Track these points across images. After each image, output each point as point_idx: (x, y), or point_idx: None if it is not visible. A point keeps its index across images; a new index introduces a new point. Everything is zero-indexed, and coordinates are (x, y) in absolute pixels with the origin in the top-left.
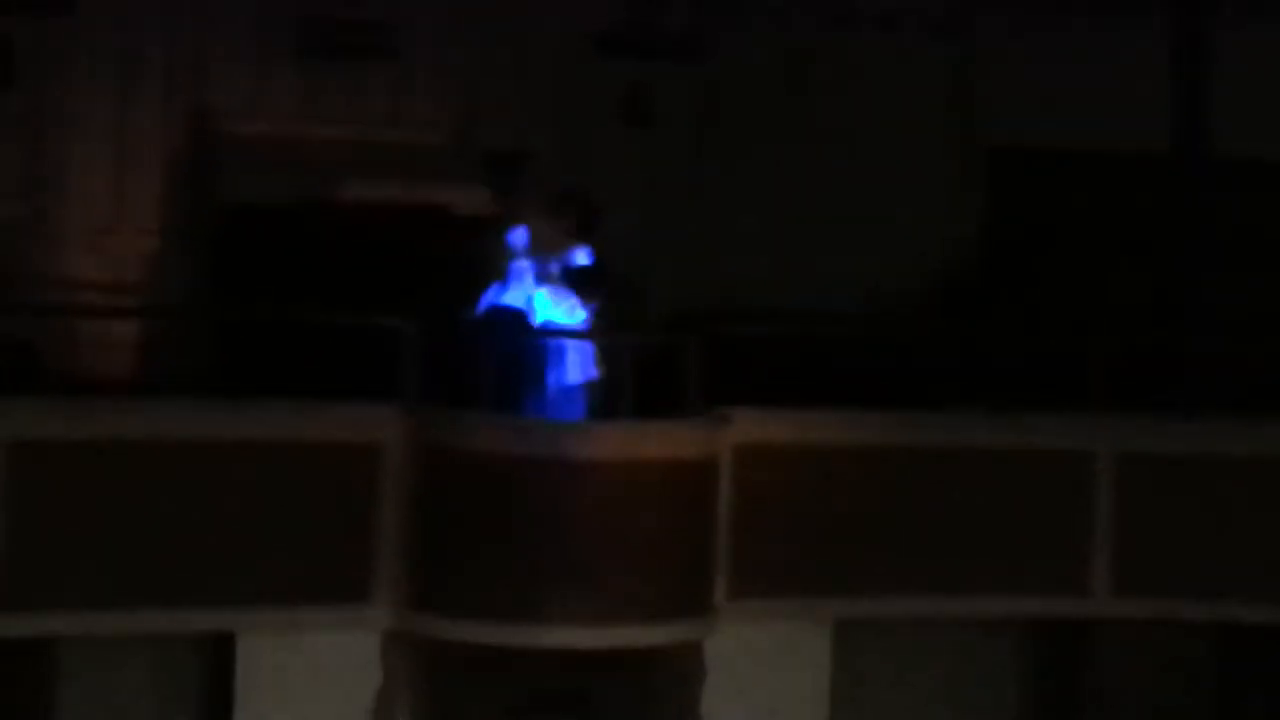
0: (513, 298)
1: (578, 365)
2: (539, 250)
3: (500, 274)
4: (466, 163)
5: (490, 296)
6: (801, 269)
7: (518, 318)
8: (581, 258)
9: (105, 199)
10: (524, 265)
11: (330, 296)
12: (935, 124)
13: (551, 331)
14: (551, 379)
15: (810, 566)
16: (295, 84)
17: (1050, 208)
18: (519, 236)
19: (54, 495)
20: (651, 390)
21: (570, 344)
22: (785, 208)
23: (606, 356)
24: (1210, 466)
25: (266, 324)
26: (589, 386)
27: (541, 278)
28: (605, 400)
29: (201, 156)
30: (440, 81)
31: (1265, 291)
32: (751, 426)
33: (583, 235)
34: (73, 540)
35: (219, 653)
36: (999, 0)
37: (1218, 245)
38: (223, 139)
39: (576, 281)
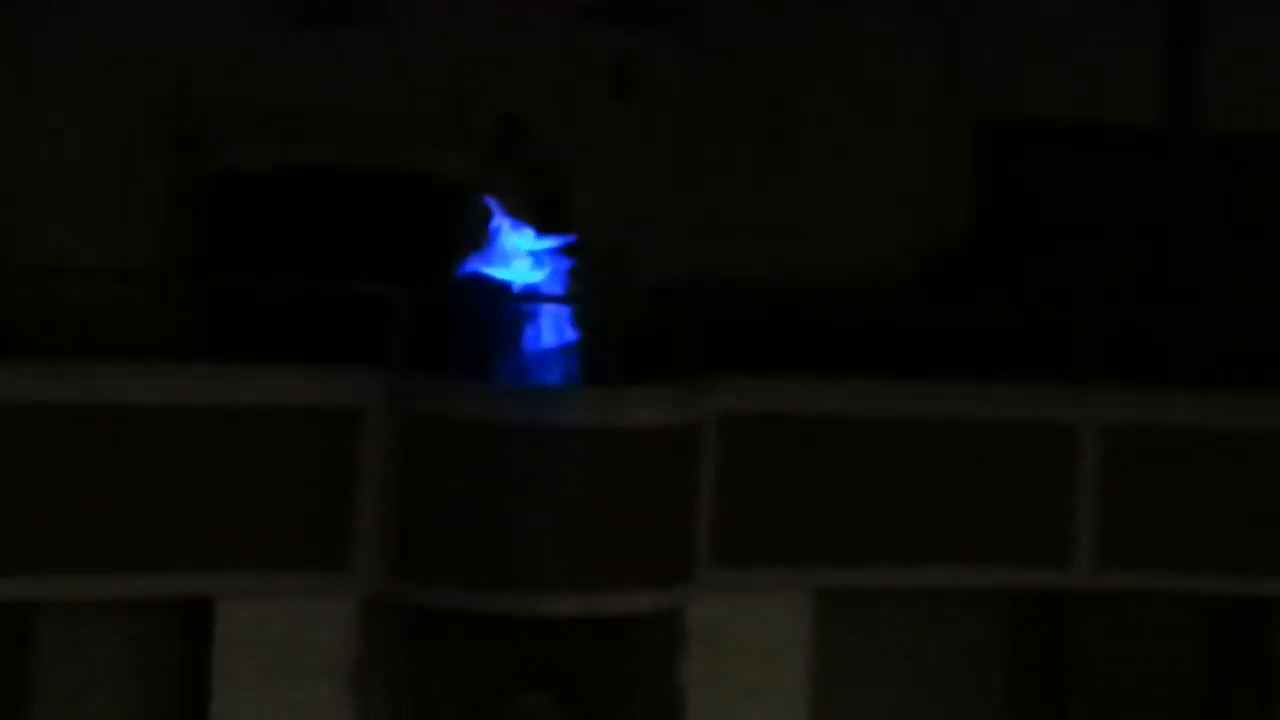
0: (492, 261)
1: (553, 329)
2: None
3: (483, 239)
4: (454, 130)
5: (472, 261)
6: (789, 239)
7: (494, 283)
8: (541, 244)
9: (89, 164)
10: (503, 228)
11: (317, 263)
12: (924, 94)
13: (533, 296)
14: (527, 343)
15: (793, 535)
16: (282, 49)
17: (1039, 179)
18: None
19: (29, 459)
20: (637, 357)
21: (545, 307)
22: (773, 178)
23: (590, 322)
24: (1194, 439)
25: (251, 291)
26: (566, 350)
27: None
28: (589, 366)
29: (187, 123)
30: (429, 49)
31: (1255, 264)
32: (736, 394)
33: (549, 217)
34: (49, 504)
35: (197, 618)
36: None
37: (1208, 218)
38: (209, 105)
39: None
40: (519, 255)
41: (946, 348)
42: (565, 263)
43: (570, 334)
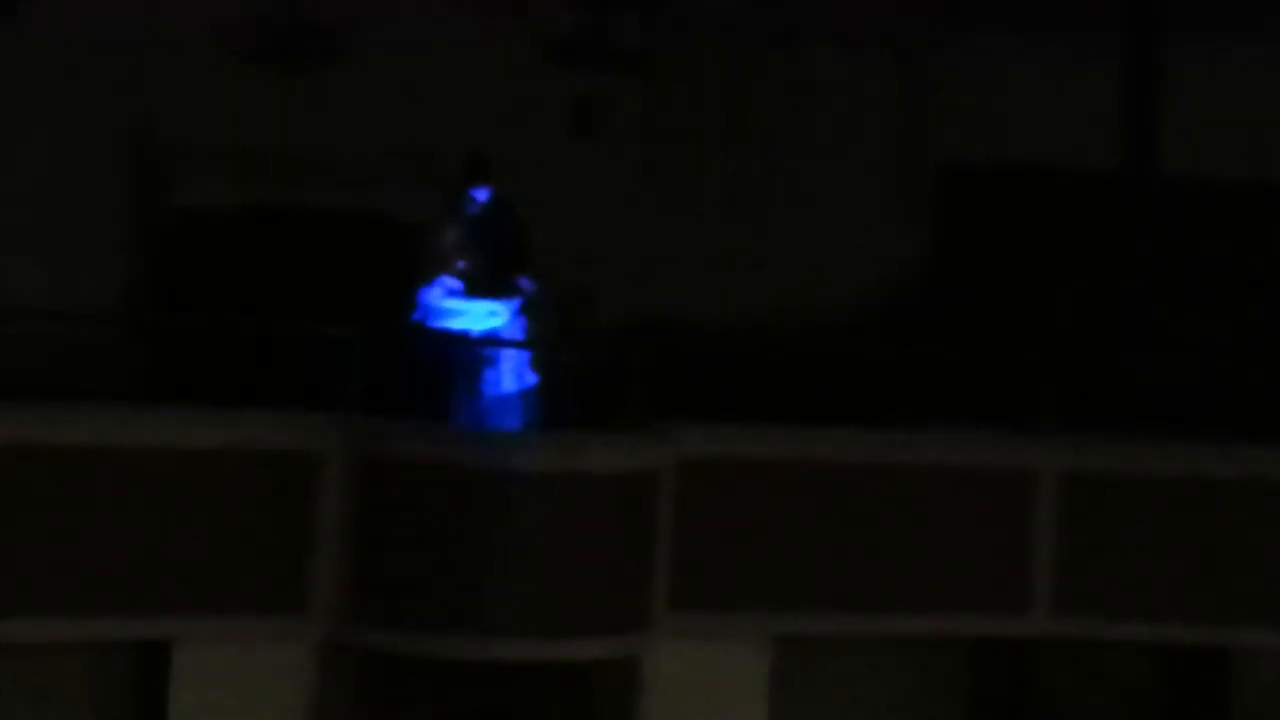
0: (439, 302)
1: (513, 373)
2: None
3: (432, 277)
4: (413, 170)
5: (422, 300)
6: (748, 282)
7: (447, 329)
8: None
9: (49, 202)
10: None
11: (277, 303)
12: (885, 139)
13: (491, 340)
14: (486, 387)
15: (751, 582)
16: (243, 89)
17: (999, 224)
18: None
19: None
20: (596, 401)
21: (504, 352)
22: (733, 221)
23: (547, 367)
24: (1152, 486)
25: (211, 331)
26: (526, 394)
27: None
28: (547, 411)
29: (149, 161)
30: (390, 90)
31: (1212, 308)
32: (694, 441)
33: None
34: (6, 545)
35: (154, 661)
36: (951, 18)
37: (1166, 260)
38: (171, 144)
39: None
40: (468, 308)
41: (907, 391)
42: (525, 304)
43: (529, 378)
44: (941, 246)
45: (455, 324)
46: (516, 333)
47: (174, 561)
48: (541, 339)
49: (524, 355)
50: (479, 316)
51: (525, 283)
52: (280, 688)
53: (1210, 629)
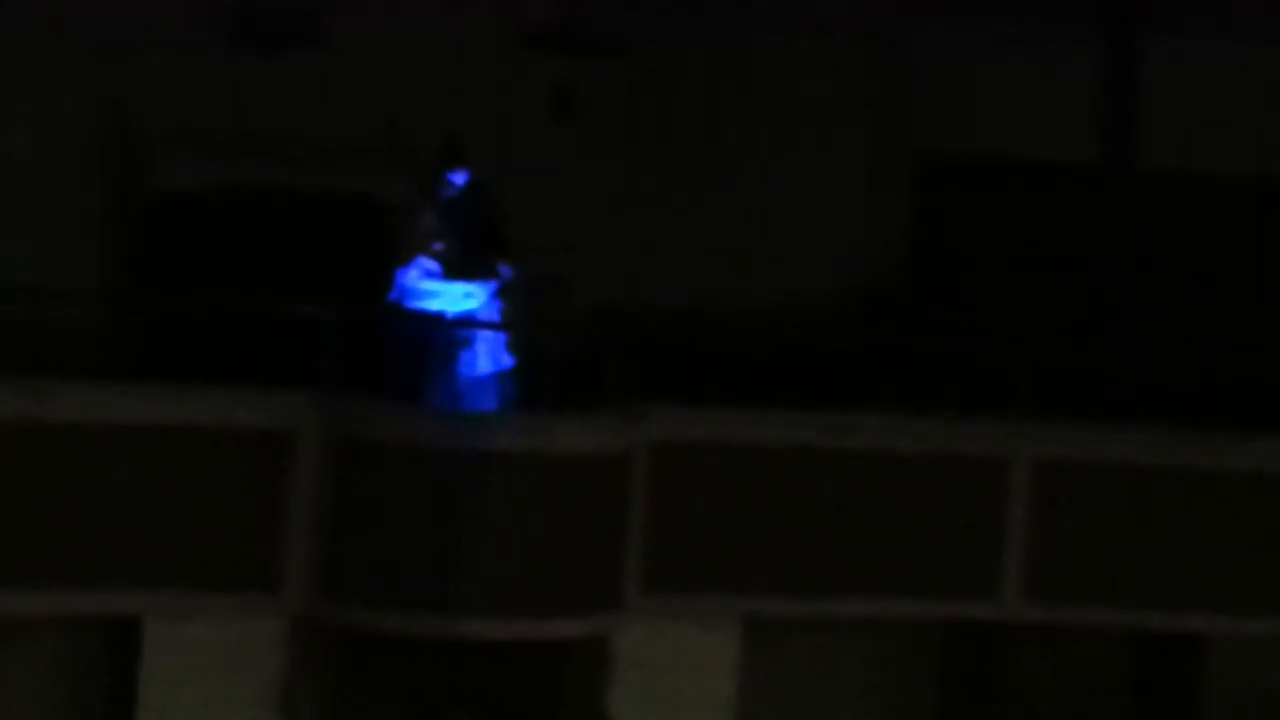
0: (416, 283)
1: (489, 355)
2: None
3: (409, 258)
4: (393, 153)
5: (399, 281)
6: (727, 269)
7: (420, 312)
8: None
9: (27, 183)
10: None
11: (255, 283)
12: (864, 129)
13: (468, 321)
14: (463, 369)
15: (723, 565)
16: (223, 71)
17: (976, 215)
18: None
19: None
20: (571, 384)
21: (480, 333)
22: (713, 208)
23: (524, 349)
24: (1123, 475)
25: (187, 310)
26: (502, 376)
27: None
28: (523, 392)
29: (126, 142)
30: (368, 73)
31: (1190, 300)
32: (668, 423)
33: (486, 240)
34: None
35: (125, 638)
36: (929, 8)
37: (1143, 254)
38: (148, 124)
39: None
40: (444, 290)
41: (882, 379)
42: (501, 288)
43: (505, 360)
44: (920, 236)
45: (431, 305)
46: (492, 315)
47: (148, 537)
48: (517, 321)
49: (500, 337)
50: (455, 298)
51: (503, 266)
52: (252, 664)
53: (1181, 616)
